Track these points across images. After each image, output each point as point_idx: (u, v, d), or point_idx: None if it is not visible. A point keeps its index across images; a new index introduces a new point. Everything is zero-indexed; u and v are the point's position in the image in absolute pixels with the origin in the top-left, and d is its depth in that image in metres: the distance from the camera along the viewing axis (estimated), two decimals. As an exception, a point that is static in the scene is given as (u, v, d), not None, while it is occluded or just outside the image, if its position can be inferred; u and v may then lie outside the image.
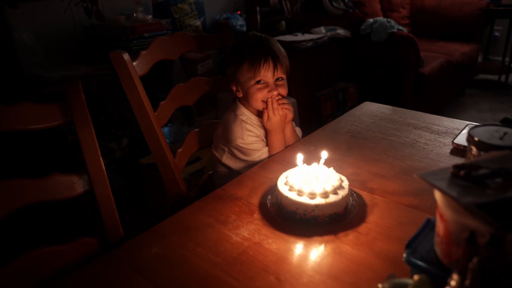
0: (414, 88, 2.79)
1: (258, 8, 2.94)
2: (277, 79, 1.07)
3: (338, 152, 1.04)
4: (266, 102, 1.07)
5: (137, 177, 2.17)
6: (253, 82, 1.06)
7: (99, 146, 1.84)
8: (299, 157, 0.82)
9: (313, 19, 3.02)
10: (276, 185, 0.82)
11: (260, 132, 1.12)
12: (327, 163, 0.84)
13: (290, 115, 1.09)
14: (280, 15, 2.98)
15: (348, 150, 1.05)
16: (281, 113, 1.06)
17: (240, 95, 1.12)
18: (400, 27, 2.81)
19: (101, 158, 0.80)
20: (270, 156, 1.08)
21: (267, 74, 1.05)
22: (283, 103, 1.07)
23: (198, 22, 2.64)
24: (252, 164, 1.06)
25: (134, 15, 2.12)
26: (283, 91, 1.08)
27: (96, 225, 0.89)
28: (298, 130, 1.22)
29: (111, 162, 2.21)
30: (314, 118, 2.75)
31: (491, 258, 0.43)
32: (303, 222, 0.76)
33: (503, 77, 3.91)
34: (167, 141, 2.48)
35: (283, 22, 2.90)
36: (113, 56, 0.97)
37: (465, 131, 1.08)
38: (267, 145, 1.11)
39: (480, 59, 4.11)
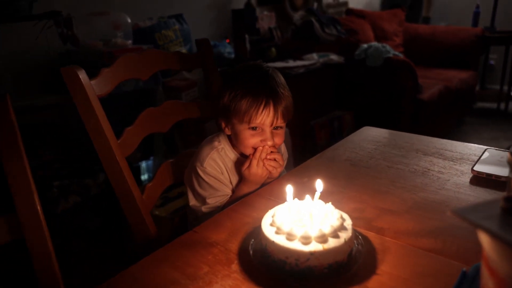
0: (413, 115, 2.71)
1: (247, 36, 2.88)
2: (275, 128, 0.93)
3: (336, 184, 0.90)
4: (255, 149, 0.94)
5: (115, 215, 2.01)
6: (246, 126, 0.92)
7: (74, 182, 1.63)
8: (289, 189, 0.67)
9: (304, 45, 2.96)
10: (260, 226, 0.66)
11: (231, 172, 0.99)
12: (324, 196, 0.69)
13: (275, 174, 0.96)
14: (271, 42, 2.92)
15: (348, 181, 0.92)
16: (264, 168, 0.93)
17: (229, 132, 0.98)
18: (396, 53, 2.75)
19: (36, 196, 0.64)
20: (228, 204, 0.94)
21: (264, 121, 0.90)
22: (272, 158, 0.93)
23: (183, 50, 2.55)
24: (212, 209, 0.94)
25: (113, 40, 2.02)
26: (279, 140, 0.95)
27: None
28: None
29: (86, 200, 2.06)
30: (308, 147, 2.65)
31: None
32: (294, 275, 0.60)
33: (502, 105, 3.86)
34: (150, 175, 2.34)
35: (273, 49, 2.84)
36: (65, 72, 0.84)
37: (485, 157, 0.94)
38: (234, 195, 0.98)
39: (477, 87, 4.07)
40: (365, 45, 2.80)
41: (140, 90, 2.08)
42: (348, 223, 0.65)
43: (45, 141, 1.92)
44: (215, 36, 2.96)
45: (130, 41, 2.11)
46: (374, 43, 2.83)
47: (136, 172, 2.28)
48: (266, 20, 3.07)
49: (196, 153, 1.00)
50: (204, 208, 0.97)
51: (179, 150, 2.21)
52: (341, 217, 0.66)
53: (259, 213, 0.77)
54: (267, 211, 0.70)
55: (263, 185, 0.96)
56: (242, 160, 0.97)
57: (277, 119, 0.91)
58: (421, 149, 1.06)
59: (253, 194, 0.88)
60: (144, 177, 2.37)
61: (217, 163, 0.97)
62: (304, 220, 0.64)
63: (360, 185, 0.89)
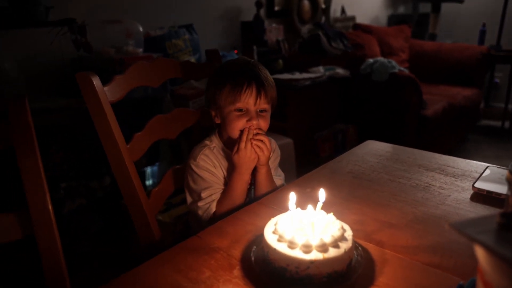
0: (417, 131, 2.71)
1: (255, 47, 2.91)
2: (260, 111, 0.96)
3: (338, 195, 0.91)
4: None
5: (118, 218, 2.04)
6: (232, 108, 0.96)
7: (80, 184, 1.65)
8: (292, 198, 0.68)
9: (311, 58, 2.99)
10: (262, 234, 0.67)
11: (222, 165, 1.02)
12: (326, 207, 0.70)
13: (262, 158, 0.96)
14: (278, 54, 2.95)
15: (350, 193, 0.93)
16: (253, 150, 0.95)
17: (218, 121, 1.02)
18: (402, 68, 2.77)
19: (48, 195, 0.65)
20: (225, 212, 0.95)
21: (248, 101, 0.94)
22: (258, 139, 0.94)
23: (192, 59, 2.58)
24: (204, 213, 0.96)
25: (125, 48, 2.06)
26: (264, 123, 0.98)
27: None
28: (279, 179, 1.09)
29: (91, 202, 2.08)
30: (311, 160, 2.67)
31: None
32: (294, 283, 0.60)
33: (506, 124, 3.85)
34: (154, 181, 2.36)
35: (280, 61, 2.87)
36: (79, 77, 0.86)
37: (486, 174, 0.95)
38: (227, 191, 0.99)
39: (481, 105, 4.07)
40: (371, 60, 2.83)
41: (149, 97, 2.11)
42: (349, 234, 0.66)
43: (56, 142, 1.95)
44: (223, 47, 3.00)
45: (141, 49, 2.14)
46: (380, 58, 2.85)
47: (141, 177, 2.29)
48: (274, 32, 3.11)
49: (190, 154, 1.04)
50: (200, 203, 0.98)
51: (185, 157, 2.23)
52: (342, 228, 0.67)
53: (261, 221, 0.77)
54: (269, 219, 0.71)
55: (264, 195, 0.97)
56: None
57: (260, 99, 0.94)
58: (423, 164, 1.07)
59: (257, 202, 0.89)
60: (149, 182, 2.38)
61: (209, 158, 1.00)
62: (305, 229, 0.65)
63: (362, 197, 0.90)
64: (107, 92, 0.90)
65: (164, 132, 1.08)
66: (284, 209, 0.71)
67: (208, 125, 1.21)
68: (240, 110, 0.95)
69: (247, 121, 0.95)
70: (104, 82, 0.92)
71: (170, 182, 1.11)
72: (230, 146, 1.01)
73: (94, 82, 0.86)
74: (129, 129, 1.03)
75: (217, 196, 0.99)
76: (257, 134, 0.95)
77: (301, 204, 0.71)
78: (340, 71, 2.76)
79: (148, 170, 2.37)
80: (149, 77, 1.06)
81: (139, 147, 0.98)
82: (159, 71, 1.09)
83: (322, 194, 0.70)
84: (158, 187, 1.06)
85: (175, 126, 1.12)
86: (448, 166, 1.06)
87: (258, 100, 0.94)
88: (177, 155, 2.27)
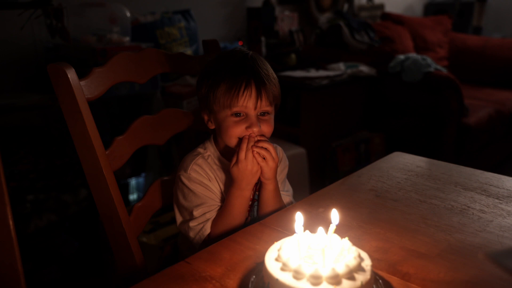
0: (455, 142, 2.70)
1: (263, 39, 2.94)
2: (261, 114, 0.97)
3: (357, 217, 0.91)
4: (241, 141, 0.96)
5: (96, 239, 2.04)
6: (228, 112, 0.96)
7: (50, 197, 1.67)
8: (299, 219, 0.68)
9: (330, 53, 3.01)
10: (263, 262, 0.67)
11: (218, 177, 1.02)
12: (341, 231, 0.70)
13: (266, 170, 0.95)
14: (290, 47, 2.97)
15: (371, 214, 0.93)
16: (255, 161, 0.94)
17: (212, 126, 1.03)
18: (439, 67, 2.77)
19: (9, 209, 0.66)
20: (222, 234, 0.95)
21: (247, 104, 0.94)
22: (261, 147, 0.94)
23: (189, 51, 2.61)
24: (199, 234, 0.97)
25: (108, 36, 2.08)
26: (266, 128, 0.97)
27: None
28: (286, 196, 1.09)
29: (63, 219, 2.09)
30: (328, 174, 2.66)
31: None
32: (300, 322, 0.60)
33: None
34: (140, 195, 2.37)
35: (293, 55, 2.88)
36: (51, 69, 0.88)
37: (536, 196, 0.94)
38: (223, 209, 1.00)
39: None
40: (401, 56, 2.83)
41: (135, 95, 2.13)
42: (367, 263, 0.66)
43: (23, 146, 1.97)
44: (226, 37, 3.02)
45: (127, 38, 2.17)
46: (413, 55, 2.85)
47: (124, 191, 2.31)
48: (286, 21, 3.13)
49: (180, 164, 1.04)
50: (191, 223, 0.99)
51: (176, 166, 2.24)
52: (359, 256, 0.67)
53: (263, 246, 0.78)
54: (272, 243, 0.71)
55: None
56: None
57: (261, 100, 0.94)
58: (461, 183, 1.07)
59: (258, 223, 0.90)
60: (133, 197, 2.40)
61: (203, 169, 1.01)
62: (315, 256, 0.65)
63: (385, 220, 0.90)
64: (84, 88, 0.91)
65: (151, 136, 1.09)
66: (290, 231, 0.71)
67: (204, 130, 1.22)
68: (237, 114, 0.95)
69: (247, 128, 0.95)
70: (82, 76, 0.93)
71: (157, 197, 1.12)
72: (228, 155, 1.01)
73: (69, 75, 0.87)
74: (110, 132, 1.05)
75: (212, 214, 0.99)
76: (259, 141, 0.95)
77: (311, 226, 0.71)
78: (364, 69, 2.77)
79: (132, 182, 2.39)
80: (135, 71, 1.07)
81: (120, 153, 0.99)
82: (148, 64, 1.10)
83: (335, 214, 0.70)
84: (142, 202, 1.06)
85: (164, 129, 1.13)
86: (491, 185, 1.05)
87: (259, 102, 0.94)
88: (167, 164, 2.28)
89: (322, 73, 2.65)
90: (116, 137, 0.99)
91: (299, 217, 0.69)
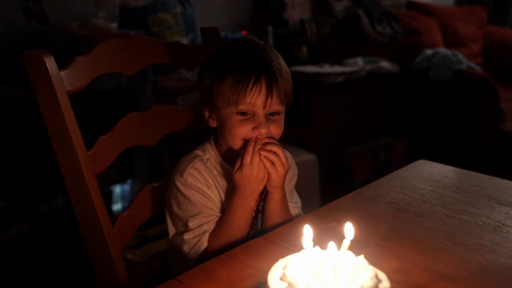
0: (490, 150, 2.70)
1: (270, 28, 2.95)
2: (270, 113, 0.97)
3: (374, 233, 0.91)
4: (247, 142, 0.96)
5: (74, 253, 2.06)
6: (234, 110, 0.96)
7: (22, 205, 1.68)
8: (307, 232, 0.68)
9: (347, 46, 3.02)
10: (266, 281, 0.68)
11: (219, 183, 1.03)
12: (356, 248, 0.70)
13: (275, 177, 0.96)
14: (301, 38, 2.98)
15: (391, 230, 0.93)
16: (262, 166, 0.94)
17: (214, 124, 1.03)
18: (471, 64, 2.77)
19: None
20: (219, 249, 0.95)
21: (256, 102, 0.95)
22: (269, 151, 0.94)
23: (184, 41, 2.62)
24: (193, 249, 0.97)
25: (93, 21, 2.09)
26: (276, 130, 0.98)
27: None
28: (294, 207, 1.10)
29: (37, 230, 2.10)
30: (342, 184, 2.67)
31: None
32: None
33: None
34: (125, 205, 2.38)
35: (304, 48, 2.90)
36: (28, 57, 0.89)
37: None
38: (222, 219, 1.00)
39: None
40: (429, 51, 2.83)
41: (122, 90, 2.14)
42: (385, 285, 0.67)
43: (-7, 146, 1.98)
44: (228, 26, 3.04)
45: (114, 24, 2.18)
46: (442, 50, 2.85)
47: (107, 199, 2.32)
48: (297, 9, 3.14)
49: (175, 168, 1.05)
50: (186, 236, 0.99)
51: (167, 172, 2.24)
52: (376, 277, 0.67)
53: (266, 263, 0.78)
54: (277, 260, 0.71)
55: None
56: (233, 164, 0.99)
57: (271, 98, 0.95)
58: (495, 196, 1.07)
59: (261, 237, 0.90)
60: (117, 207, 2.40)
61: (201, 174, 1.01)
62: (325, 276, 0.65)
63: (407, 237, 0.90)
64: (64, 79, 0.92)
65: (140, 136, 1.10)
66: (297, 247, 0.72)
67: (202, 129, 1.23)
68: (244, 113, 0.96)
69: (253, 128, 0.95)
70: (63, 66, 0.93)
71: (145, 205, 1.12)
72: (231, 159, 1.02)
73: (48, 64, 0.88)
74: (93, 131, 1.05)
75: (210, 226, 0.99)
76: (268, 143, 0.95)
77: (321, 241, 0.72)
78: (385, 64, 2.77)
79: (117, 189, 2.39)
80: (123, 61, 1.07)
81: (104, 155, 0.99)
82: (138, 54, 1.11)
83: (349, 228, 0.70)
84: (128, 211, 1.07)
85: (155, 129, 1.14)
86: (530, 200, 1.05)
87: (269, 100, 0.95)
88: (156, 170, 2.28)
89: (337, 68, 2.65)
90: (100, 136, 1.00)
91: (307, 231, 0.69)
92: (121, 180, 2.35)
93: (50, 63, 0.89)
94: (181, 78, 2.44)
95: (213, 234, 0.98)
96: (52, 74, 0.89)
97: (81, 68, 0.97)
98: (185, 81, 2.37)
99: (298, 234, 0.73)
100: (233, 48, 1.01)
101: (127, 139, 1.07)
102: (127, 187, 2.41)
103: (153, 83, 2.28)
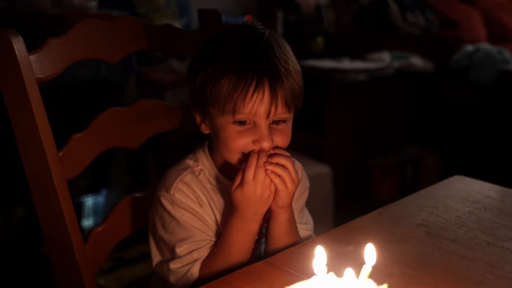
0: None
1: (280, 14, 2.95)
2: (275, 122, 0.97)
3: (400, 260, 0.92)
4: (247, 156, 0.95)
5: (36, 277, 2.06)
6: (230, 119, 0.95)
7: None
8: (320, 255, 0.68)
9: (371, 38, 3.02)
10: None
11: (213, 201, 1.02)
12: (377, 276, 0.71)
13: (283, 195, 0.95)
14: (317, 27, 2.99)
15: (420, 258, 0.93)
16: (267, 182, 0.93)
17: (207, 131, 1.03)
18: (520, 64, 2.77)
19: None
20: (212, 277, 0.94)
21: (257, 111, 0.93)
22: (276, 164, 0.94)
23: (177, 25, 2.63)
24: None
25: (68, -1, 2.11)
26: (281, 141, 0.97)
27: None
28: (304, 229, 1.10)
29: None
30: (361, 203, 2.68)
31: None
32: None
33: None
34: (96, 221, 2.37)
35: (320, 39, 2.90)
36: (-9, 36, 0.89)
37: None
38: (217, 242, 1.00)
39: None
40: (470, 48, 2.83)
41: (101, 81, 2.15)
42: (412, 322, 0.67)
43: None
44: (229, 9, 3.04)
45: (93, 3, 2.19)
46: (486, 46, 2.85)
47: (76, 213, 2.31)
48: (313, -8, 3.15)
49: (160, 181, 1.04)
50: (173, 265, 0.98)
51: (151, 180, 2.23)
52: (402, 312, 0.67)
53: (269, 292, 0.78)
54: (283, 289, 0.71)
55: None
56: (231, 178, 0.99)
57: (276, 106, 0.93)
58: (547, 221, 1.07)
59: (261, 262, 0.90)
60: (88, 222, 2.40)
61: (192, 189, 1.00)
62: (341, 309, 0.65)
63: (439, 266, 0.90)
64: (34, 64, 0.93)
65: (121, 136, 1.11)
66: (307, 274, 0.72)
67: (196, 132, 1.23)
68: (242, 122, 0.95)
69: (254, 141, 0.95)
70: (32, 49, 0.94)
71: (124, 220, 1.12)
72: (229, 171, 1.02)
73: (15, 46, 0.89)
74: (66, 129, 1.05)
75: (201, 253, 0.99)
76: (275, 154, 0.94)
77: (335, 267, 0.71)
78: (417, 61, 2.77)
79: (89, 201, 2.39)
80: (103, 46, 1.08)
81: (77, 156, 1.00)
82: (121, 38, 1.11)
83: (371, 252, 0.70)
84: (104, 225, 1.07)
85: (139, 128, 1.15)
86: None
87: (273, 108, 0.94)
88: (138, 179, 2.28)
89: (358, 64, 2.65)
90: (74, 134, 1.00)
91: (320, 253, 0.69)
92: (93, 190, 2.35)
93: (19, 44, 0.90)
94: (171, 70, 2.44)
95: (205, 264, 0.98)
96: (20, 58, 0.89)
97: (54, 52, 0.98)
98: (176, 74, 2.37)
99: (308, 258, 0.73)
100: (231, 39, 0.99)
101: (106, 139, 1.07)
102: (101, 199, 2.41)
103: (137, 74, 2.29)
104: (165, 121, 1.19)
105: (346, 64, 2.65)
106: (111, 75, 2.13)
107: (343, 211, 2.50)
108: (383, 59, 2.75)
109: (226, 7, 3.04)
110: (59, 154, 0.95)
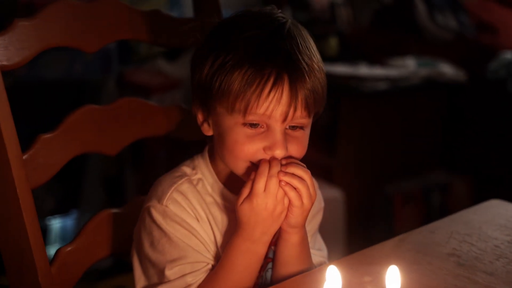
0: None
1: (287, 12, 2.97)
2: (292, 127, 0.97)
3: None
4: (256, 166, 0.95)
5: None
6: (240, 120, 0.95)
7: None
8: (332, 281, 0.68)
9: (394, 42, 3.04)
10: None
11: (213, 216, 1.02)
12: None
13: (297, 212, 0.94)
14: (330, 27, 3.00)
15: (450, 292, 0.93)
16: (281, 196, 0.93)
17: (210, 132, 1.02)
18: None
19: None
20: None
21: (272, 112, 0.93)
22: (291, 174, 0.93)
23: (167, 17, 2.65)
24: None
25: (39, -17, 2.12)
26: (297, 150, 0.97)
27: None
28: (317, 254, 1.10)
29: None
30: (378, 232, 2.69)
31: None
32: None
33: None
34: (63, 245, 2.36)
35: (334, 40, 2.92)
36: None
37: None
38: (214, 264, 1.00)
39: None
40: (509, 55, 2.84)
41: (75, 81, 2.15)
42: None
43: None
44: (230, 3, 3.06)
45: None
46: (527, 54, 2.87)
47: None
48: (326, -13, 3.18)
49: (151, 191, 1.03)
50: None
51: (129, 195, 2.22)
52: None
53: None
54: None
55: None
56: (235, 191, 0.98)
57: (295, 109, 0.93)
58: None
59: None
60: (54, 250, 2.39)
61: (188, 200, 0.99)
62: None
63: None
64: (-2, 50, 0.93)
65: (97, 140, 1.11)
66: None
67: (190, 139, 1.22)
68: (254, 125, 0.95)
69: (265, 148, 0.94)
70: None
71: (98, 239, 1.12)
72: (233, 181, 1.02)
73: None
74: (33, 128, 1.05)
75: (196, 278, 0.98)
76: (290, 163, 0.94)
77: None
78: (447, 69, 2.79)
79: (55, 225, 2.38)
80: (81, 32, 1.09)
81: (45, 161, 1.00)
82: (102, 24, 1.12)
83: (394, 280, 0.70)
84: (74, 245, 1.08)
85: (119, 131, 1.15)
86: None
87: (292, 110, 0.93)
88: (115, 198, 2.28)
89: (378, 71, 2.67)
90: (41, 134, 1.01)
91: (332, 279, 0.69)
92: (61, 211, 2.34)
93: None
94: (158, 71, 2.45)
95: None
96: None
97: (22, 36, 0.98)
98: (163, 76, 2.38)
99: (318, 284, 0.73)
100: (248, 26, 0.99)
101: (79, 141, 1.08)
102: (70, 222, 2.40)
103: (118, 75, 2.30)
104: (151, 124, 1.19)
105: (364, 70, 2.66)
106: (87, 74, 2.13)
107: (356, 241, 2.49)
108: (407, 66, 2.76)
109: (227, 0, 3.06)
110: (24, 157, 0.95)
